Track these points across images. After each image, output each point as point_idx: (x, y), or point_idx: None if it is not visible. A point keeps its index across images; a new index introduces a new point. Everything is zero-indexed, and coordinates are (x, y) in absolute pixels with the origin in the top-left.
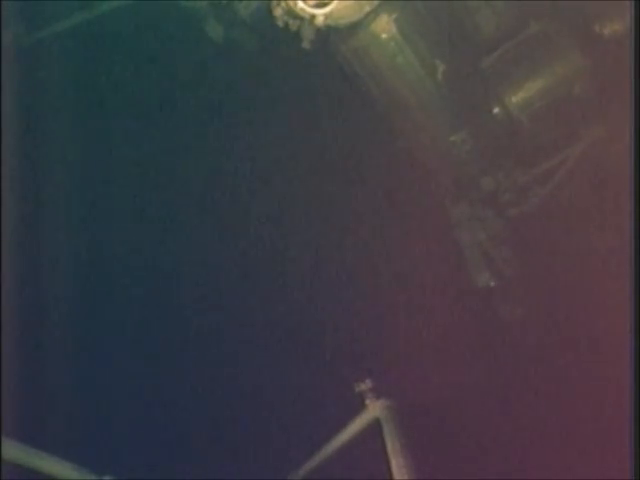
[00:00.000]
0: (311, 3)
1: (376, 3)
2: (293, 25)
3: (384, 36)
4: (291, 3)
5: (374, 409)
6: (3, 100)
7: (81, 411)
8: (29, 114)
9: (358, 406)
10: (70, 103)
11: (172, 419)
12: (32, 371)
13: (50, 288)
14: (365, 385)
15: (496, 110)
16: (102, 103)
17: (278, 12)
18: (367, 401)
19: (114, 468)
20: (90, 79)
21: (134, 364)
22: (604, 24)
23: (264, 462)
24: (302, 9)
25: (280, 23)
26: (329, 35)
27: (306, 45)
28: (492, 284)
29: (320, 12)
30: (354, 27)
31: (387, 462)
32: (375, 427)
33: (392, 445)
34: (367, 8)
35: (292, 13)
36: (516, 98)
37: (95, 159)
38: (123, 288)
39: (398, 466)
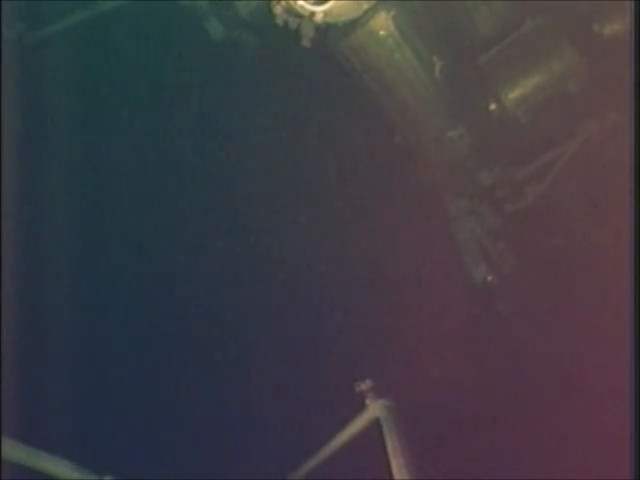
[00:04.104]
0: (310, 1)
1: (374, 1)
2: (292, 23)
3: (382, 33)
4: (291, 2)
5: (374, 409)
6: (5, 98)
7: (81, 411)
8: (31, 112)
9: (358, 406)
10: (71, 101)
11: (172, 419)
12: (32, 371)
13: (50, 288)
14: (365, 385)
15: (493, 106)
16: (103, 101)
17: (278, 10)
18: (367, 401)
19: (114, 468)
20: (91, 77)
21: (134, 364)
22: (604, 24)
23: (264, 462)
24: (302, 6)
25: (280, 21)
26: (328, 33)
27: (305, 43)
28: (489, 279)
29: (319, 9)
30: (353, 25)
31: (387, 462)
32: (375, 427)
33: (392, 445)
34: (365, 6)
35: (292, 11)
36: (512, 94)
37: (96, 157)
38: (124, 287)
39: (398, 466)
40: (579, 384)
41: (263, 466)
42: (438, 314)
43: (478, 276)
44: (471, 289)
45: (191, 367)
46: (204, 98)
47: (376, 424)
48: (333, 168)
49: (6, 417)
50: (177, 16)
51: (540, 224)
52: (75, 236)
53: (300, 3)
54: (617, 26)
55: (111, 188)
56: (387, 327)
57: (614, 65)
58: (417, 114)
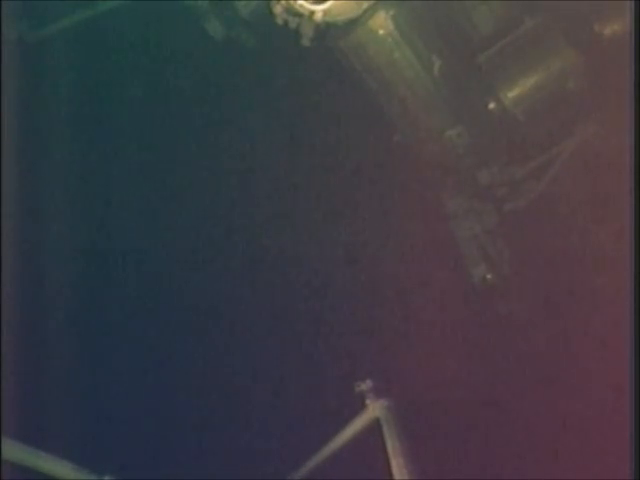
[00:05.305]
0: (310, 0)
1: (373, 0)
2: (292, 22)
3: (381, 32)
4: (291, 1)
5: (374, 409)
6: (5, 97)
7: (81, 411)
8: (31, 111)
9: (358, 406)
10: (71, 100)
11: (172, 419)
12: (32, 371)
13: (50, 288)
14: (365, 385)
15: (492, 105)
16: (103, 100)
17: (278, 10)
18: (367, 401)
19: (114, 468)
20: (91, 77)
21: (134, 364)
22: (604, 24)
23: (264, 462)
24: (301, 5)
25: (279, 21)
26: (327, 32)
27: (305, 42)
28: (489, 277)
29: (319, 8)
30: (352, 24)
31: (387, 462)
32: (375, 427)
33: (392, 445)
34: (365, 5)
35: (291, 10)
36: (511, 93)
37: (96, 156)
38: (123, 288)
39: (398, 466)
40: (579, 384)
41: (263, 466)
42: (438, 314)
43: (477, 275)
44: (471, 288)
45: (191, 367)
46: (204, 97)
47: (376, 424)
48: (333, 167)
49: (6, 417)
50: (177, 16)
51: (539, 223)
52: (75, 236)
53: (300, 2)
54: (617, 26)
55: (111, 187)
56: (387, 327)
57: (614, 65)
58: (416, 113)
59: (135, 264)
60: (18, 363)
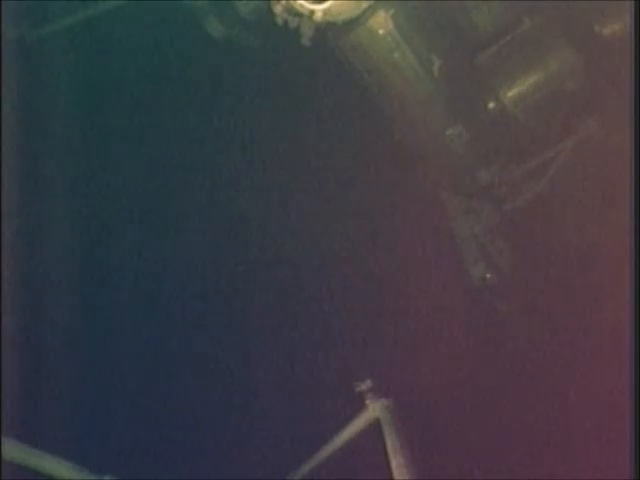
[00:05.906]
0: (310, 0)
1: (373, 0)
2: (292, 22)
3: (381, 32)
4: (291, 0)
5: (374, 409)
6: (6, 97)
7: (81, 411)
8: (32, 111)
9: (358, 406)
10: (72, 100)
11: (172, 419)
12: (32, 371)
13: (50, 287)
14: (365, 385)
15: (491, 105)
16: (103, 100)
17: (278, 9)
18: (367, 401)
19: (114, 468)
20: (92, 76)
21: (134, 364)
22: (604, 24)
23: (264, 462)
24: (301, 5)
25: (280, 21)
26: (327, 32)
27: (305, 42)
28: (488, 277)
29: (319, 8)
30: (352, 23)
31: (387, 462)
32: (375, 427)
33: (392, 445)
34: (364, 4)
35: (291, 10)
36: (511, 93)
37: (96, 155)
38: (123, 287)
39: (398, 466)
40: (579, 384)
41: (263, 466)
42: (438, 314)
43: (477, 274)
44: (471, 288)
45: (191, 367)
46: (204, 97)
47: (376, 424)
48: (332, 167)
49: (6, 417)
50: (177, 16)
51: (539, 222)
52: (75, 236)
53: (300, 2)
54: (617, 26)
55: (111, 187)
56: (387, 327)
57: (614, 65)
58: (416, 112)
59: (135, 263)
60: (18, 363)
